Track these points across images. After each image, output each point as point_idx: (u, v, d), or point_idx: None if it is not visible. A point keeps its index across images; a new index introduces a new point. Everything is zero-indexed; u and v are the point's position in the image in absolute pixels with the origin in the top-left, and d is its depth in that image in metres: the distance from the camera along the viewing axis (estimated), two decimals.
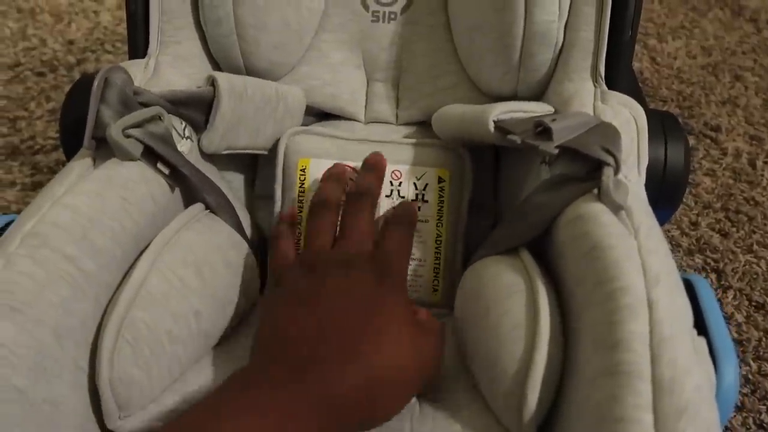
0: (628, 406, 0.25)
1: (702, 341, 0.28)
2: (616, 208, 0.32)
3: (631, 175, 0.38)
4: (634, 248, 0.30)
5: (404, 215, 0.43)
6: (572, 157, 0.35)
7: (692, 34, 1.03)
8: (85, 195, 0.34)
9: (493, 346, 0.33)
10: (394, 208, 0.45)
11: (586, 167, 0.35)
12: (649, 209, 0.35)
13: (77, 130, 0.38)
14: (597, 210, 0.32)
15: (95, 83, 0.37)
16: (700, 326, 0.29)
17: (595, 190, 0.34)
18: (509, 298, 0.34)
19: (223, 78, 0.43)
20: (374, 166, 0.45)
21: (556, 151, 0.35)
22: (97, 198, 0.34)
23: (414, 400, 0.35)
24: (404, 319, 0.33)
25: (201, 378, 0.36)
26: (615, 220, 0.32)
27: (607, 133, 0.35)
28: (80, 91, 0.47)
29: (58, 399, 0.29)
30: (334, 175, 0.45)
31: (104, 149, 0.37)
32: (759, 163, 0.76)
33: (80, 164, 0.36)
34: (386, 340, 0.31)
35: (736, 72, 0.94)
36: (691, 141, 0.80)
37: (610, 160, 0.33)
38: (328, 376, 0.29)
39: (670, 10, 1.09)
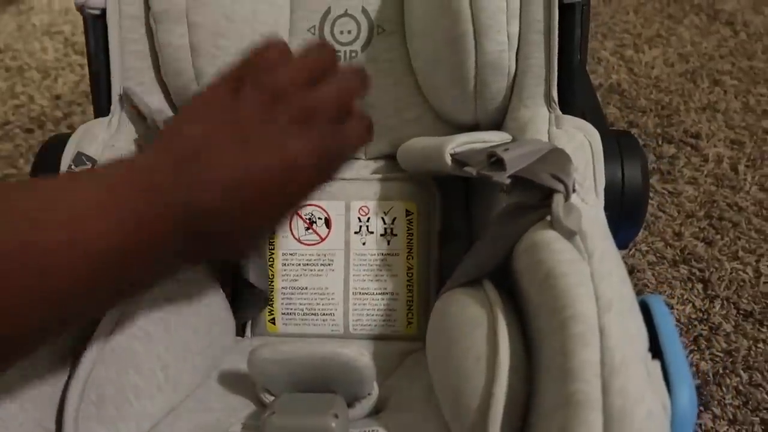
0: None
1: (656, 365, 0.28)
2: (569, 234, 0.32)
3: (589, 198, 0.38)
4: (586, 274, 0.30)
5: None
6: (525, 186, 0.36)
7: (669, 42, 1.03)
8: None
9: (456, 381, 0.33)
10: None
11: (539, 195, 0.35)
12: (607, 232, 0.35)
13: None
14: (549, 237, 0.33)
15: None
16: (656, 349, 0.29)
17: (549, 217, 0.34)
18: (473, 332, 0.34)
19: None
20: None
21: (509, 180, 0.35)
22: None
23: None
24: (269, 125, 0.30)
25: (174, 429, 0.36)
26: (568, 247, 0.32)
27: (557, 160, 0.36)
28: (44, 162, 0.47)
29: None
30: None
31: None
32: (741, 168, 0.76)
33: None
34: (250, 145, 0.29)
35: (715, 76, 0.94)
36: (672, 150, 0.80)
37: (560, 186, 0.34)
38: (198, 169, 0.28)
39: (646, 19, 1.10)
